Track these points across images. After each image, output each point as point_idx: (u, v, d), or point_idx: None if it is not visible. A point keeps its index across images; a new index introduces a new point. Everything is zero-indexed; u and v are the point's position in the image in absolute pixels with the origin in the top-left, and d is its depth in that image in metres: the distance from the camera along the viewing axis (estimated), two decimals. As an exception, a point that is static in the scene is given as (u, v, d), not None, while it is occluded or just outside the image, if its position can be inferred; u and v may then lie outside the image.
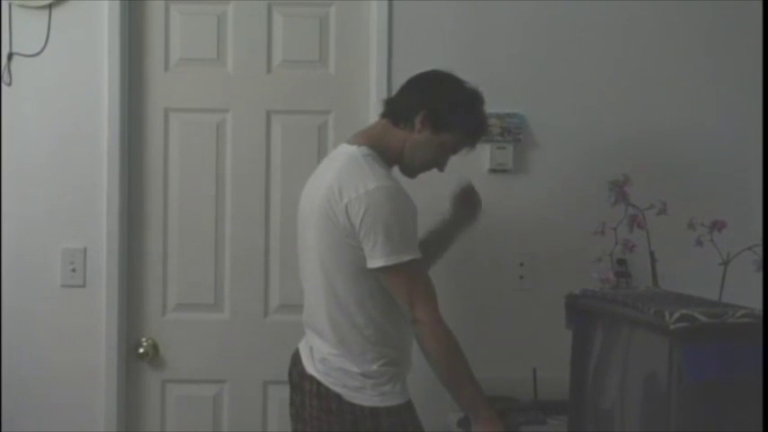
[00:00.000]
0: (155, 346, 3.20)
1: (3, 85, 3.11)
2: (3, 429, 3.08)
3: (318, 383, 2.49)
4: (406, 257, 2.40)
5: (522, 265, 3.18)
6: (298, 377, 2.58)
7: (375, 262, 2.40)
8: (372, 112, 3.13)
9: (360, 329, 2.46)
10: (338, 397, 2.46)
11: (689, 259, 2.98)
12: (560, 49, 3.18)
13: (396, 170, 2.61)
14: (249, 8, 3.19)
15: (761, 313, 2.10)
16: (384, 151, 2.54)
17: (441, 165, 2.62)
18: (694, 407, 2.06)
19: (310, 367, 2.52)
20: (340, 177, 2.46)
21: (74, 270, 3.13)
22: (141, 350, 3.19)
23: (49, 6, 3.10)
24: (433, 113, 2.52)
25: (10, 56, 3.11)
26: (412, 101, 2.55)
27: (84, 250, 3.13)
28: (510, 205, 3.16)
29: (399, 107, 2.57)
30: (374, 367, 2.46)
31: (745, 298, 2.38)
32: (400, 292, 2.43)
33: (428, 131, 2.54)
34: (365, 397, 2.45)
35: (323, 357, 2.50)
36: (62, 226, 3.13)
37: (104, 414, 3.12)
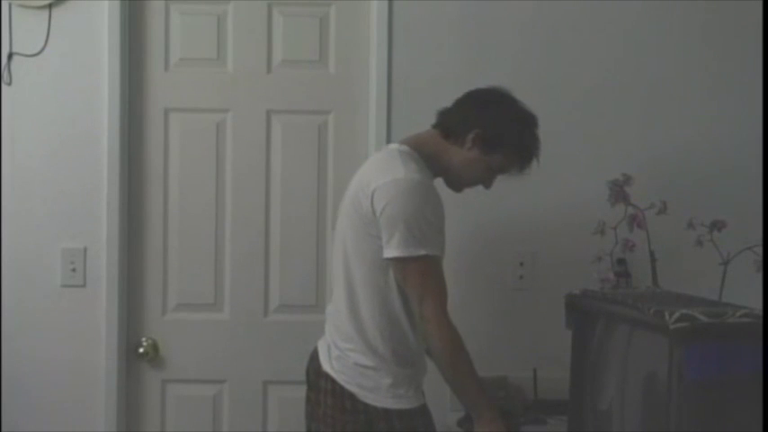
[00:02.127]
0: (155, 346, 3.20)
1: (3, 84, 3.11)
2: (3, 429, 3.08)
3: (333, 381, 2.49)
4: (422, 251, 2.40)
5: (522, 264, 3.18)
6: (314, 374, 2.57)
7: (391, 252, 2.40)
8: (373, 112, 3.14)
9: (376, 323, 2.46)
10: (352, 396, 2.46)
11: (689, 259, 2.98)
12: (560, 49, 3.17)
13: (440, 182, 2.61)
14: (249, 8, 3.19)
15: (761, 313, 2.10)
16: (429, 159, 2.53)
17: (487, 183, 2.63)
18: (694, 406, 2.06)
19: (326, 365, 2.52)
20: (371, 169, 2.50)
21: (74, 270, 3.13)
22: (141, 350, 3.18)
23: (49, 6, 3.10)
24: (485, 134, 2.52)
25: (10, 56, 3.11)
26: (466, 117, 2.54)
27: (85, 250, 3.13)
28: (510, 205, 3.16)
29: (452, 121, 2.57)
30: (386, 363, 2.46)
31: (745, 298, 2.38)
32: (411, 286, 2.43)
33: (478, 150, 2.53)
34: (379, 398, 2.45)
35: (339, 355, 2.50)
36: (62, 226, 3.13)
37: (104, 414, 3.12)
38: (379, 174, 2.45)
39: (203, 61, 3.20)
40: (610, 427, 2.37)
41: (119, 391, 3.13)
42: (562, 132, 3.17)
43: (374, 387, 2.45)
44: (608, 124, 3.18)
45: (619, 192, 2.92)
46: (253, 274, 3.21)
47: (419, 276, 2.42)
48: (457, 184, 2.62)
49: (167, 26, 3.19)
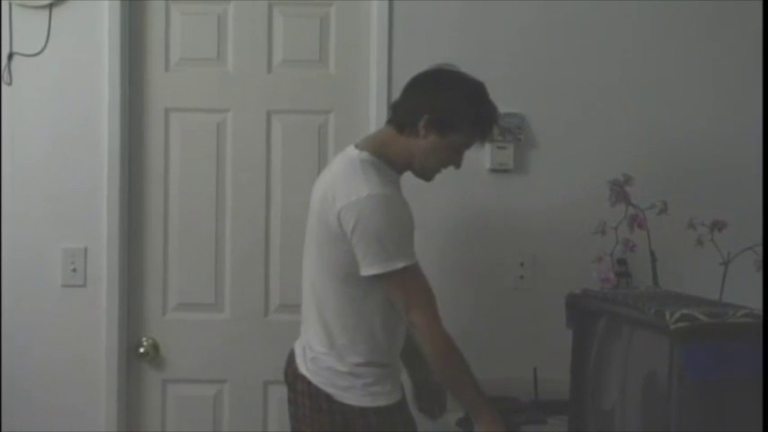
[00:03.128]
0: (155, 346, 3.20)
1: (3, 84, 3.11)
2: (3, 429, 3.08)
3: (309, 383, 2.50)
4: (399, 264, 2.38)
5: (522, 264, 3.17)
6: (292, 376, 2.59)
7: (368, 270, 2.39)
8: (373, 112, 3.14)
9: (347, 330, 2.46)
10: (328, 397, 2.46)
11: (689, 259, 2.98)
12: (561, 49, 3.17)
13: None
14: (250, 8, 3.19)
15: (761, 313, 2.10)
16: (390, 159, 2.49)
17: (456, 163, 2.56)
18: (695, 406, 2.06)
19: (302, 366, 2.54)
20: (335, 182, 2.45)
21: (74, 270, 3.13)
22: (142, 350, 3.18)
23: (50, 6, 3.10)
24: (436, 117, 2.45)
25: (10, 55, 3.10)
26: (413, 106, 2.49)
27: (85, 250, 3.13)
28: (510, 205, 3.16)
29: (401, 113, 2.51)
30: (360, 369, 2.46)
31: (745, 298, 2.38)
32: (396, 298, 2.43)
33: (434, 135, 2.47)
34: (354, 397, 2.46)
35: (314, 357, 2.51)
36: (62, 225, 3.13)
37: (105, 414, 3.12)
38: (344, 191, 2.40)
39: (204, 61, 3.20)
40: (611, 426, 2.37)
41: (119, 391, 3.13)
42: (562, 132, 3.17)
43: (349, 387, 2.46)
44: (608, 124, 3.18)
45: (619, 192, 2.92)
46: (253, 273, 3.21)
47: (401, 288, 2.41)
48: (425, 174, 2.55)
49: (168, 26, 3.19)
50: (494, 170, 3.14)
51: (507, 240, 3.16)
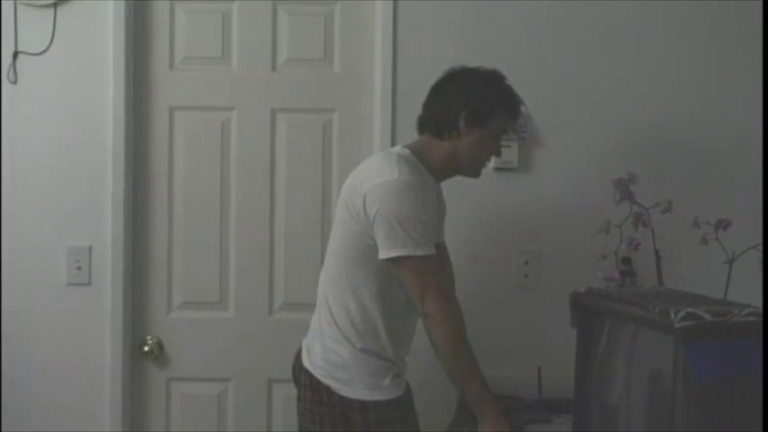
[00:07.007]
0: (160, 344, 3.20)
1: (8, 83, 3.11)
2: (5, 428, 3.09)
3: (311, 375, 2.52)
4: (419, 251, 2.41)
5: (526, 263, 3.17)
6: (298, 371, 2.61)
7: (387, 252, 2.41)
8: (377, 110, 3.14)
9: (349, 314, 2.49)
10: (328, 389, 2.48)
11: (694, 258, 2.98)
12: (565, 48, 3.17)
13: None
14: (254, 6, 3.19)
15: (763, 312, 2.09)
16: (430, 164, 2.55)
17: (497, 152, 2.66)
18: (699, 405, 2.05)
19: (306, 360, 2.56)
20: (367, 169, 2.53)
21: (79, 268, 3.13)
22: (146, 348, 3.19)
23: (54, 5, 3.11)
24: (474, 111, 2.54)
25: (15, 54, 3.11)
26: (447, 108, 2.56)
27: (90, 248, 3.14)
28: (515, 204, 3.16)
29: (438, 120, 2.58)
30: (361, 355, 2.48)
31: (750, 296, 2.37)
32: (412, 285, 2.44)
33: (476, 128, 2.56)
34: (353, 390, 2.47)
35: (313, 346, 2.54)
36: (67, 224, 3.14)
37: (109, 412, 3.13)
38: (373, 175, 2.47)
39: (208, 60, 3.21)
40: (615, 425, 2.37)
41: (123, 389, 3.14)
42: (567, 131, 3.17)
43: (349, 380, 2.48)
44: (613, 123, 3.17)
45: (624, 190, 2.92)
46: (257, 272, 3.21)
47: (418, 276, 2.43)
48: (475, 169, 2.64)
49: (172, 25, 3.20)
50: (498, 169, 3.13)
51: (511, 239, 3.16)
